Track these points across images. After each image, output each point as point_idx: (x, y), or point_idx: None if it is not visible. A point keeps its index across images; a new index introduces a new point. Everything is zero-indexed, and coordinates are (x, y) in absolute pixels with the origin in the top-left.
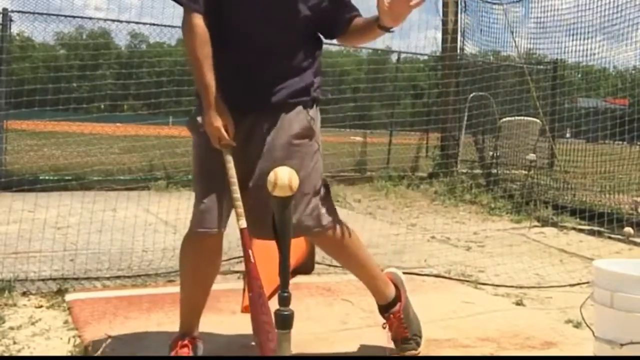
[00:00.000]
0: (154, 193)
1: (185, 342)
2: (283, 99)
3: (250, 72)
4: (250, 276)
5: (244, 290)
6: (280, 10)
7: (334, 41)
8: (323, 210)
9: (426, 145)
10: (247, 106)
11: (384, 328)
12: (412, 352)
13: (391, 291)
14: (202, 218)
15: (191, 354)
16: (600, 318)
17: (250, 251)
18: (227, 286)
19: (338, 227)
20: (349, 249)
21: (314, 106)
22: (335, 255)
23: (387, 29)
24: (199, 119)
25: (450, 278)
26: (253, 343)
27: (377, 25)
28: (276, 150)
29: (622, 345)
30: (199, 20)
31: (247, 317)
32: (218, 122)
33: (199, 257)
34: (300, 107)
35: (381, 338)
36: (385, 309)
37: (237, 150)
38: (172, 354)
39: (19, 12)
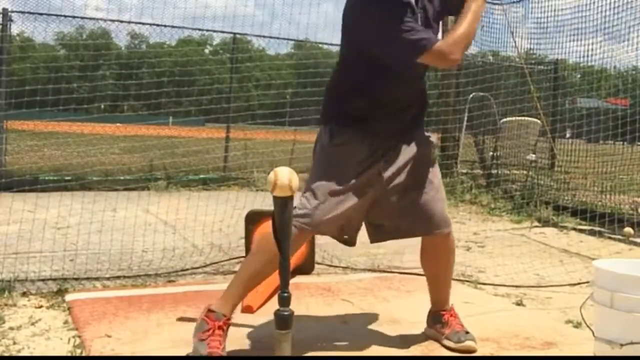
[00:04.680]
0: (154, 193)
1: (221, 323)
2: (422, 124)
3: (407, 106)
4: None
5: None
6: None
7: (335, 41)
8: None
9: None
10: (399, 133)
11: (440, 329)
12: (473, 344)
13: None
14: (314, 215)
15: (224, 338)
16: (600, 318)
17: None
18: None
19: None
20: (452, 256)
21: None
22: (440, 258)
23: None
24: (335, 140)
25: None
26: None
27: None
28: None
29: (622, 345)
30: (440, 43)
31: (247, 317)
32: None
33: (293, 244)
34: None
35: (381, 338)
36: (439, 310)
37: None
38: (205, 333)
39: (19, 12)
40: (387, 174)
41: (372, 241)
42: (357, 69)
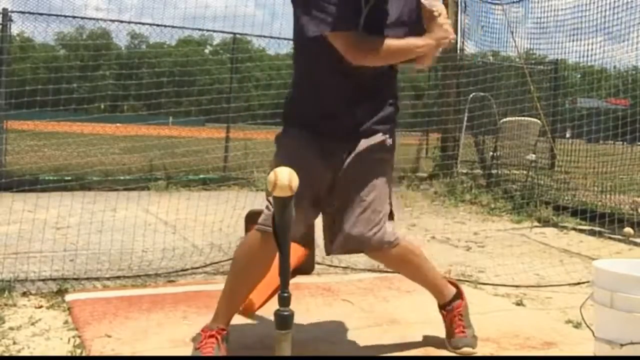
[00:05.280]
0: (154, 193)
1: (214, 332)
2: (376, 129)
3: (352, 103)
4: None
5: None
6: None
7: None
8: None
9: (426, 145)
10: (343, 136)
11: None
12: (470, 350)
13: (450, 291)
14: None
15: (216, 345)
16: (600, 318)
17: None
18: None
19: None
20: (412, 264)
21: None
22: (398, 269)
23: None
24: (277, 144)
25: (450, 278)
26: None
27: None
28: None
29: (622, 345)
30: (355, 36)
31: (241, 315)
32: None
33: (259, 252)
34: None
35: (381, 338)
36: (444, 306)
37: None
38: (199, 343)
39: (19, 12)
40: (327, 183)
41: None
42: (301, 61)
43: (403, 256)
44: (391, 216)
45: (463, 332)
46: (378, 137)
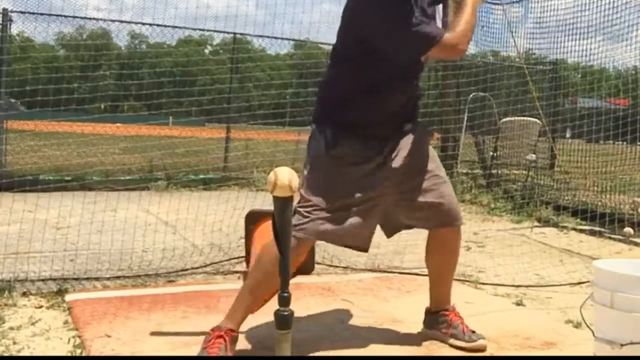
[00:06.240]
0: (154, 193)
1: (222, 333)
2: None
3: (406, 103)
4: None
5: None
6: None
7: (332, 41)
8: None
9: None
10: (399, 132)
11: (444, 329)
12: (483, 343)
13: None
14: (312, 226)
15: (223, 346)
16: (600, 318)
17: None
18: (227, 286)
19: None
20: (458, 252)
21: None
22: (449, 252)
23: None
24: (333, 151)
25: None
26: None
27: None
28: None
29: (622, 345)
30: (447, 35)
31: (247, 317)
32: None
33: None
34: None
35: (381, 338)
36: (440, 310)
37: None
38: (207, 342)
39: (19, 12)
40: (394, 176)
41: (388, 236)
42: (365, 69)
43: (460, 237)
44: None
45: (468, 327)
46: (427, 129)
